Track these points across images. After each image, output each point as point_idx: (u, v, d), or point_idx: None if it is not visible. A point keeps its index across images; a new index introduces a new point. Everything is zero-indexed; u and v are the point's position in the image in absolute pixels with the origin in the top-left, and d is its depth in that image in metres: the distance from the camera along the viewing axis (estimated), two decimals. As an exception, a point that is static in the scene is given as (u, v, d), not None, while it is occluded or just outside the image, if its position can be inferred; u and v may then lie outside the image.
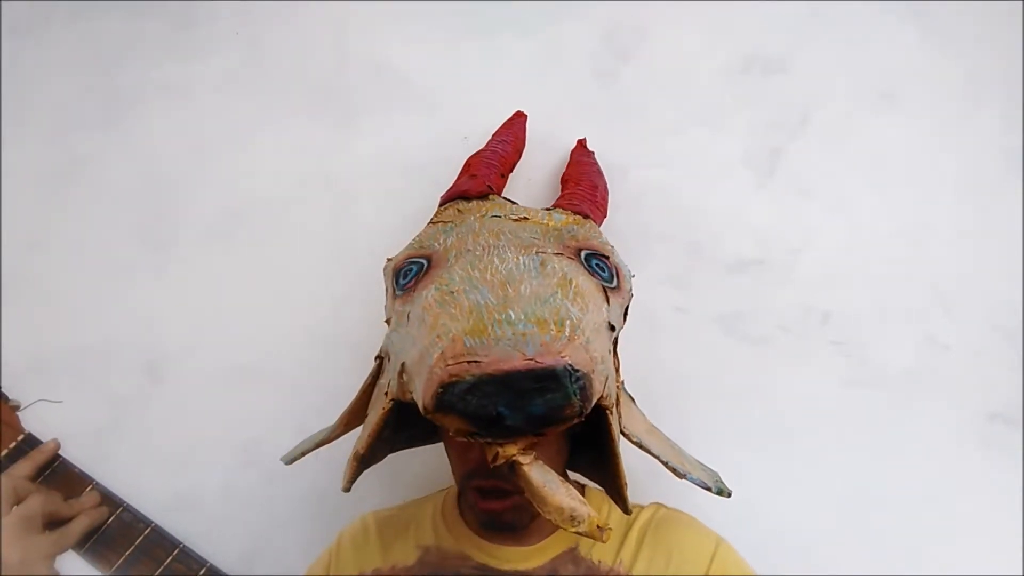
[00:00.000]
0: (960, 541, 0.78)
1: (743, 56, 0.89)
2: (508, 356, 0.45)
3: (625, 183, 0.84)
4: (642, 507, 0.69)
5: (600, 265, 0.59)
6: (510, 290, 0.49)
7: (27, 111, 0.94)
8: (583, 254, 0.59)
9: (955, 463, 0.80)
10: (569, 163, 0.81)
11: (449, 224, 0.63)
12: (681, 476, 0.60)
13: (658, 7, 0.90)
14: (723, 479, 0.63)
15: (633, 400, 0.67)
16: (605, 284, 0.57)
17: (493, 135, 0.82)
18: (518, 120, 0.85)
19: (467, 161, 0.77)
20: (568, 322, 0.48)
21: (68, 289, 0.90)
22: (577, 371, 0.46)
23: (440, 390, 0.46)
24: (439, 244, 0.59)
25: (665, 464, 0.60)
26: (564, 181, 0.77)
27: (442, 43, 0.92)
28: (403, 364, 0.52)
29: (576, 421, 0.47)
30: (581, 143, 0.84)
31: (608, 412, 0.53)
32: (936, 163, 0.86)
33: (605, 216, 0.75)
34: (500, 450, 0.48)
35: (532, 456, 0.49)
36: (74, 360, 0.88)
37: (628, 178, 0.85)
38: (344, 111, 0.92)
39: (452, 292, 0.50)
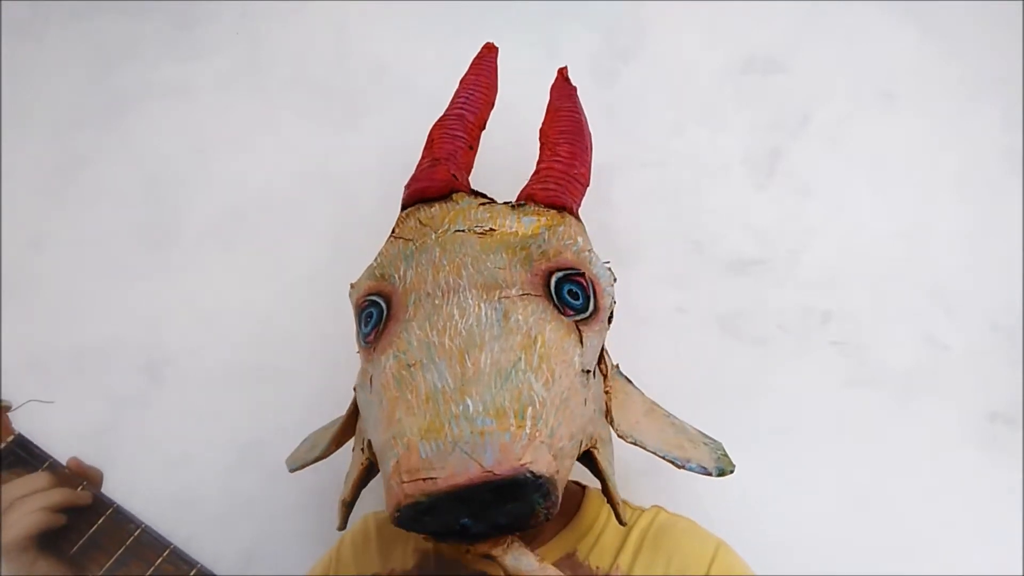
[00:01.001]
0: (960, 541, 0.78)
1: (743, 56, 0.89)
2: (464, 468, 0.43)
3: (625, 183, 0.84)
4: (642, 511, 0.68)
5: (573, 291, 0.55)
6: (469, 365, 0.47)
7: (27, 111, 0.94)
8: (554, 281, 0.55)
9: (955, 463, 0.80)
10: (547, 108, 0.71)
11: (409, 243, 0.59)
12: (680, 467, 0.58)
13: (658, 7, 0.90)
14: (727, 451, 0.61)
15: (630, 381, 0.64)
16: (579, 318, 0.54)
17: (460, 84, 0.73)
18: (487, 57, 0.74)
19: (429, 134, 0.69)
20: (530, 409, 0.46)
21: (68, 289, 0.90)
22: (539, 477, 0.44)
23: (398, 513, 0.45)
24: (398, 277, 0.56)
25: (663, 457, 0.58)
26: (541, 141, 0.68)
27: (442, 43, 0.92)
28: (369, 441, 0.53)
29: (550, 519, 0.46)
30: (562, 73, 0.74)
31: (593, 450, 0.53)
32: (936, 163, 0.86)
33: (588, 184, 0.68)
34: (471, 548, 0.47)
35: (504, 546, 0.47)
36: (74, 360, 0.88)
37: (628, 178, 0.85)
38: (344, 111, 0.92)
39: (410, 367, 0.49)
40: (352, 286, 0.61)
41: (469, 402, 0.46)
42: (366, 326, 0.56)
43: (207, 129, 0.93)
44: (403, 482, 0.44)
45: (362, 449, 0.57)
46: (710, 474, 0.58)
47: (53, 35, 0.96)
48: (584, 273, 0.57)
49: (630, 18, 0.90)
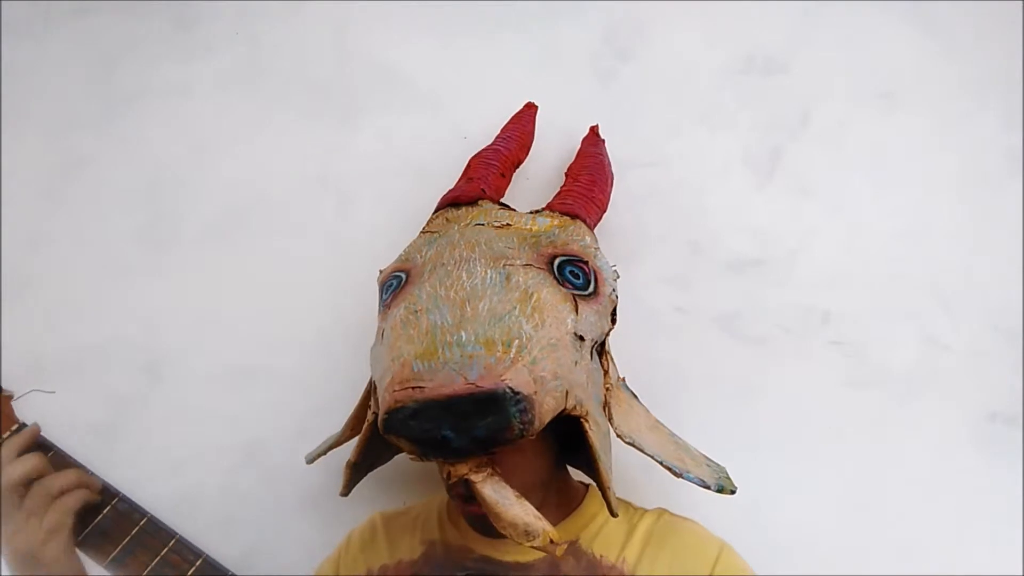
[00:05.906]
0: (960, 541, 0.78)
1: (743, 56, 0.89)
2: (451, 380, 0.48)
3: (625, 182, 0.84)
4: (646, 511, 0.69)
5: (575, 272, 0.60)
6: (468, 309, 0.52)
7: (27, 111, 0.94)
8: (557, 262, 0.59)
9: (955, 463, 0.80)
10: (577, 154, 0.80)
11: (435, 235, 0.65)
12: (677, 475, 0.60)
13: (658, 7, 0.90)
14: (729, 474, 0.63)
15: (636, 397, 0.67)
16: (577, 293, 0.58)
17: (501, 129, 0.82)
18: (527, 112, 0.84)
19: (468, 162, 0.77)
20: (516, 342, 0.50)
21: (68, 289, 0.90)
22: (517, 393, 0.48)
23: (386, 416, 0.49)
24: (420, 257, 0.61)
25: (660, 463, 0.60)
26: (567, 174, 0.77)
27: (442, 43, 0.92)
28: (374, 382, 0.56)
29: (527, 438, 0.49)
30: (593, 131, 0.83)
31: (583, 420, 0.55)
32: (936, 163, 0.86)
33: (604, 210, 0.74)
34: (452, 469, 0.50)
35: (485, 473, 0.50)
36: (74, 360, 0.88)
37: (628, 177, 0.85)
38: (344, 111, 0.92)
39: (416, 312, 0.53)
40: (380, 272, 0.66)
41: (463, 334, 0.50)
42: (386, 293, 0.61)
43: (207, 129, 0.93)
44: (395, 391, 0.49)
45: (368, 405, 0.60)
46: (708, 487, 0.61)
47: (53, 35, 0.96)
48: (588, 262, 0.61)
49: (630, 18, 0.90)
